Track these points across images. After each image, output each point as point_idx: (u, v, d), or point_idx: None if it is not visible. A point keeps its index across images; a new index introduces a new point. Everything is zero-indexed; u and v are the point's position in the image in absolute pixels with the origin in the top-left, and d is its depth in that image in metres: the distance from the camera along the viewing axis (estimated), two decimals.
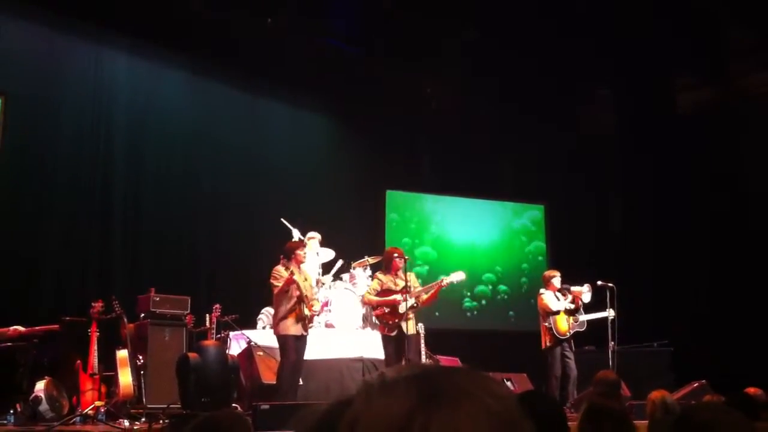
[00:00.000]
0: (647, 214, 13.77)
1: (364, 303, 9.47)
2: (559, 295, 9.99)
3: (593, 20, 11.84)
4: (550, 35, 12.13)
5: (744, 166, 13.04)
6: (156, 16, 10.81)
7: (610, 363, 9.57)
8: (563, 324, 9.79)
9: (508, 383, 9.79)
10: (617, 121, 14.30)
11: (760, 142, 12.66)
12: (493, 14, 11.77)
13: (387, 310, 8.42)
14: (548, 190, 14.60)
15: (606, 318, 9.79)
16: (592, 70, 13.17)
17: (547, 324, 9.84)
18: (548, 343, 9.81)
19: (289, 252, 8.45)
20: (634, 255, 13.51)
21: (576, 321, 9.83)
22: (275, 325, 8.32)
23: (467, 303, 14.22)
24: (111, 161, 10.97)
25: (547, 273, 10.35)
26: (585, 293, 9.89)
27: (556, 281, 10.02)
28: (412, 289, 8.46)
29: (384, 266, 8.86)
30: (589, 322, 9.93)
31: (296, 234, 10.44)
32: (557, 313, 9.78)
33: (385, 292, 8.54)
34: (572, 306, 9.85)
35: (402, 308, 8.33)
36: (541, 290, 10.11)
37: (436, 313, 13.06)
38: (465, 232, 14.55)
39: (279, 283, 8.20)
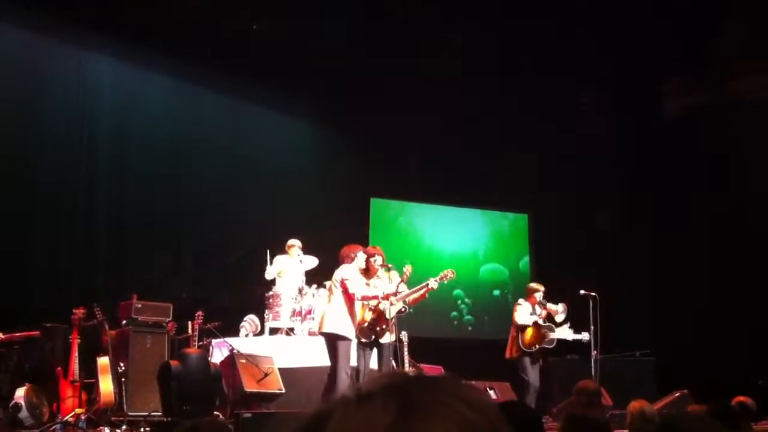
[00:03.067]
0: (634, 222, 13.81)
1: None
2: (537, 308, 9.97)
3: (586, 25, 11.91)
4: (544, 38, 12.20)
5: (735, 171, 13.12)
6: (140, 19, 10.77)
7: (593, 372, 9.58)
8: (530, 337, 9.74)
9: (491, 392, 9.78)
10: (608, 125, 14.32)
11: (753, 145, 12.73)
12: (488, 18, 11.84)
13: (374, 316, 8.28)
14: (533, 197, 14.62)
15: (580, 340, 9.82)
16: (584, 75, 13.22)
17: (514, 334, 9.84)
18: (513, 354, 9.78)
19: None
20: (619, 263, 13.54)
21: (545, 338, 9.76)
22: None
23: (453, 313, 14.24)
24: (94, 165, 10.93)
25: (531, 286, 10.27)
26: (559, 313, 9.87)
27: (539, 295, 9.97)
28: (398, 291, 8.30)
29: (363, 268, 8.41)
30: (559, 340, 9.88)
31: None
32: (525, 326, 9.75)
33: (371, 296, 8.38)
34: (545, 323, 9.82)
35: (390, 313, 8.19)
36: (520, 300, 10.11)
37: (422, 319, 13.05)
38: (449, 241, 14.57)
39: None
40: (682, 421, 2.44)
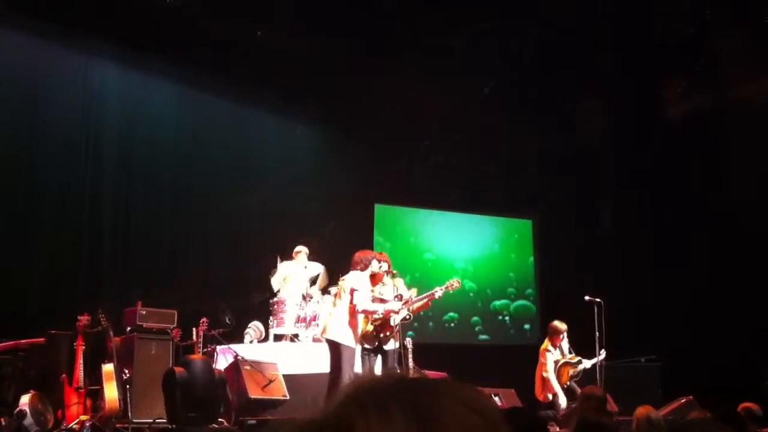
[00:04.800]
0: (637, 229, 13.79)
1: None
2: (565, 346, 9.95)
3: (583, 29, 11.91)
4: (541, 45, 12.21)
5: (733, 174, 13.11)
6: (146, 25, 10.81)
7: (598, 378, 9.56)
8: (565, 377, 9.75)
9: (496, 398, 9.75)
10: (608, 130, 14.30)
11: (751, 148, 12.72)
12: (479, 26, 11.85)
13: (378, 323, 8.27)
14: (537, 204, 14.61)
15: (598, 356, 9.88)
16: (583, 78, 13.22)
17: (543, 376, 9.80)
18: (549, 397, 9.74)
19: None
20: (623, 268, 13.52)
21: (577, 372, 9.81)
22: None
23: (449, 315, 14.23)
24: (99, 171, 10.95)
25: (556, 325, 10.01)
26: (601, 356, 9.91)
27: (563, 336, 9.93)
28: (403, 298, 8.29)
29: (370, 274, 8.34)
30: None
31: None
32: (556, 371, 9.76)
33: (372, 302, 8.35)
34: (574, 360, 9.83)
35: (394, 320, 8.16)
36: (548, 346, 9.94)
37: (416, 325, 13.06)
38: (454, 247, 14.56)
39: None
40: (691, 427, 2.43)
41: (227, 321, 9.85)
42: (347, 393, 0.95)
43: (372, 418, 0.90)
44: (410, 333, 12.21)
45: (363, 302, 7.99)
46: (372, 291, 8.23)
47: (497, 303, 14.67)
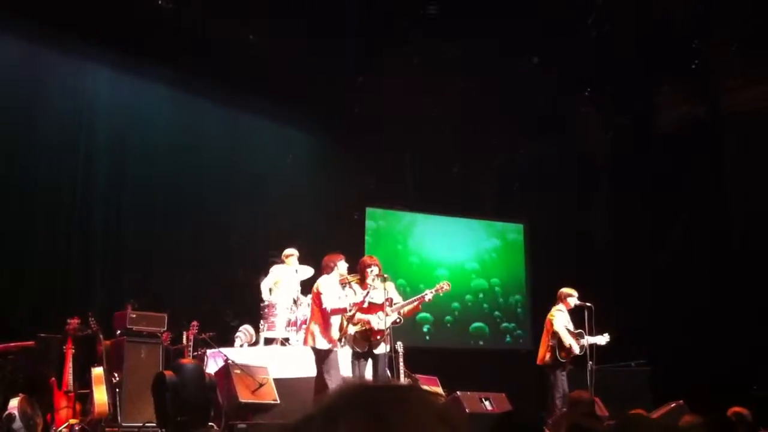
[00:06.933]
0: (630, 233, 13.81)
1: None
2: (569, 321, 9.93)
3: (582, 34, 11.94)
4: (536, 52, 12.24)
5: (730, 181, 13.15)
6: (139, 30, 10.80)
7: (588, 382, 9.56)
8: (567, 350, 9.72)
9: (486, 402, 9.75)
10: (601, 137, 14.34)
11: (746, 158, 12.75)
12: (476, 30, 11.88)
13: (368, 326, 8.24)
14: (529, 209, 14.63)
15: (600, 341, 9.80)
16: (577, 87, 13.25)
17: (551, 343, 9.76)
18: (547, 360, 9.73)
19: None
20: (614, 272, 13.54)
21: (579, 347, 9.75)
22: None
23: (447, 317, 14.23)
24: (92, 175, 10.93)
25: (565, 291, 10.04)
26: (605, 340, 9.85)
27: (572, 300, 9.91)
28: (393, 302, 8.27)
29: (359, 278, 8.44)
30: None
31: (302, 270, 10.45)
32: (563, 342, 9.69)
33: (363, 307, 8.34)
34: (576, 331, 9.79)
35: (384, 324, 8.14)
36: (559, 306, 9.95)
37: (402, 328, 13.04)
38: (445, 251, 14.56)
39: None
40: None
41: (228, 319, 9.90)
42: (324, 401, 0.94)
43: (317, 424, 0.89)
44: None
45: (331, 302, 8.08)
46: (345, 295, 8.29)
47: (487, 306, 14.69)
